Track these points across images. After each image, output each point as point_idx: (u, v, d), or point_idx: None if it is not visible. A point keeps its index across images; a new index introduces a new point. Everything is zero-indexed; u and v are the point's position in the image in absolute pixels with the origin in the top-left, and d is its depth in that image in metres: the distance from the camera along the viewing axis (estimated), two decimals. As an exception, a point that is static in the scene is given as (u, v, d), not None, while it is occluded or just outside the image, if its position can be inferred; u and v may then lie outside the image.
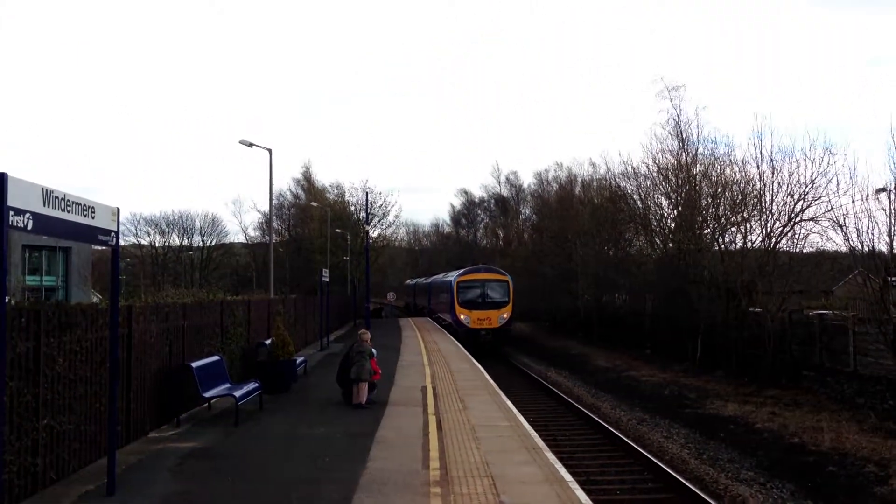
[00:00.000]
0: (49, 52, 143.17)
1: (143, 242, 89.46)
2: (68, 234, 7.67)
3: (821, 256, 29.51)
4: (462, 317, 39.48)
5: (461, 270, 45.59)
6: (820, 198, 27.69)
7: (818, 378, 22.83)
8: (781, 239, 29.26)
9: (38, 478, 8.88)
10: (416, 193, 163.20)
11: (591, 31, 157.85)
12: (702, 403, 22.11)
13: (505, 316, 39.59)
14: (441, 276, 54.34)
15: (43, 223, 6.94)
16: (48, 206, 7.05)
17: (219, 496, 9.26)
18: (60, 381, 9.35)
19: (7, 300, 7.28)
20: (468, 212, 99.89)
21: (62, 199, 7.34)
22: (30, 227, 6.70)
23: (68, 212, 7.47)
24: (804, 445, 16.62)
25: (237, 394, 14.28)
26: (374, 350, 17.43)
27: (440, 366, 24.74)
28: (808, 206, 28.16)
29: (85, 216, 7.82)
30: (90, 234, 8.10)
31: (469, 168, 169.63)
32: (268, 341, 18.78)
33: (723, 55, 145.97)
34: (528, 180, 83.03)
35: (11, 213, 6.41)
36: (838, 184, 26.76)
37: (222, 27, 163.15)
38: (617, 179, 43.21)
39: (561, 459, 11.58)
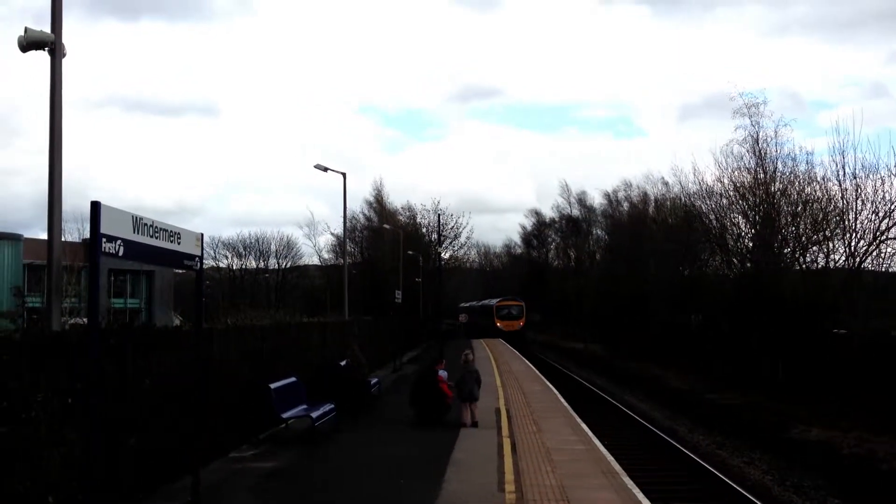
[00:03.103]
0: (134, 81, 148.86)
1: (220, 265, 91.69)
2: (156, 259, 7.97)
3: (908, 276, 28.39)
4: (499, 324, 66.97)
5: (497, 299, 73.49)
6: (907, 215, 26.70)
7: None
8: (866, 258, 28.26)
9: (125, 495, 9.16)
10: (489, 215, 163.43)
11: (656, 48, 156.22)
12: (784, 428, 21.43)
13: (521, 324, 67.95)
14: (486, 301, 78.79)
15: (133, 249, 7.22)
16: (137, 233, 7.34)
17: (298, 516, 9.41)
18: (146, 401, 9.66)
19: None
20: (539, 232, 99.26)
21: (150, 225, 7.63)
22: (121, 253, 6.98)
23: (156, 238, 7.76)
24: (894, 472, 15.95)
25: (314, 415, 14.51)
26: (445, 372, 17.51)
27: (513, 388, 24.65)
28: (895, 224, 27.16)
29: (171, 242, 8.11)
30: (176, 259, 8.40)
31: (540, 189, 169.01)
32: (343, 363, 19.02)
33: (805, 66, 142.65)
34: (597, 200, 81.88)
35: (104, 240, 6.69)
36: (927, 201, 25.76)
37: (292, 50, 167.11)
38: (692, 198, 42.39)
39: (638, 484, 11.39)
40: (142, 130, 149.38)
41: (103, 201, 6.76)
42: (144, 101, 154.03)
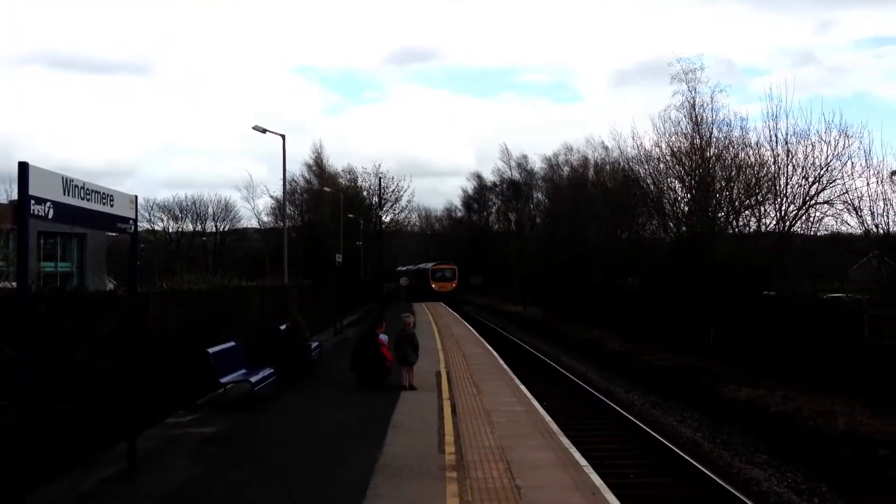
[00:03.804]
0: (59, 37, 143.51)
1: (156, 228, 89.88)
2: (88, 222, 7.75)
3: (835, 240, 29.29)
4: (433, 286, 73.67)
5: (432, 263, 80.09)
6: (835, 181, 27.38)
7: (832, 362, 22.75)
8: (796, 222, 29.06)
9: (58, 463, 9.00)
10: (429, 178, 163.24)
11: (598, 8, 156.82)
12: (715, 388, 22.06)
13: (453, 285, 75.43)
14: (422, 265, 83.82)
15: (63, 211, 7.01)
16: (68, 195, 7.12)
17: (237, 481, 9.38)
18: (79, 367, 9.46)
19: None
20: (480, 196, 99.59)
21: (81, 187, 7.41)
22: (51, 215, 6.78)
23: (87, 200, 7.54)
24: (818, 429, 16.58)
25: (253, 379, 14.42)
26: (386, 336, 17.53)
27: (454, 351, 24.86)
28: (823, 189, 27.89)
29: (104, 204, 7.89)
30: (109, 221, 8.19)
31: (480, 154, 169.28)
32: (283, 327, 18.90)
33: (739, 33, 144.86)
34: (538, 164, 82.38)
35: (33, 201, 6.48)
36: (853, 166, 26.37)
37: (229, 9, 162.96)
38: (630, 163, 42.88)
39: (575, 443, 11.65)
40: (70, 88, 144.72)
41: (31, 162, 6.54)
42: (73, 59, 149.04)
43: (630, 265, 43.46)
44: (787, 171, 29.16)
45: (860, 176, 25.76)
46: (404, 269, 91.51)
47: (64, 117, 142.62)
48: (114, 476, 9.23)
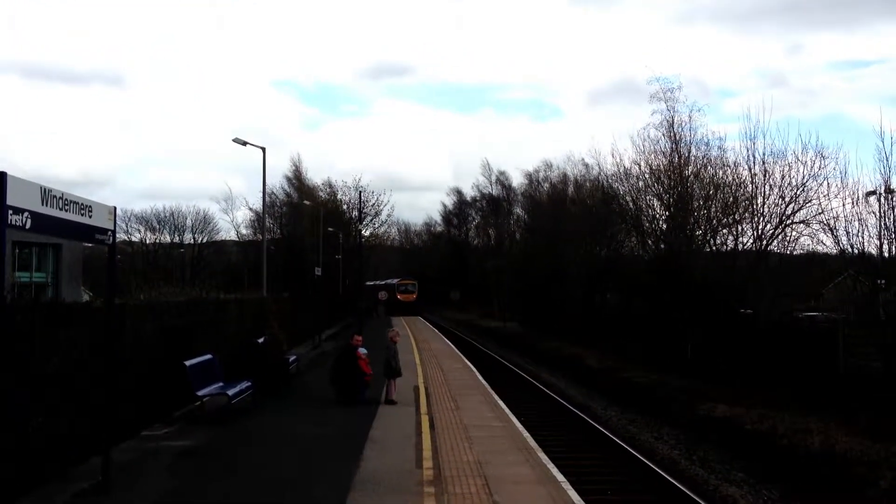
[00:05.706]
0: (34, 47, 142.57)
1: (133, 239, 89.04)
2: (66, 232, 7.69)
3: (811, 259, 29.59)
4: (399, 297, 77.92)
5: (397, 279, 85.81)
6: (811, 201, 27.69)
7: (808, 380, 22.93)
8: (772, 241, 29.33)
9: (30, 476, 8.87)
10: (406, 192, 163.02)
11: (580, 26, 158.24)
12: (692, 405, 22.17)
13: (414, 297, 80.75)
14: (389, 280, 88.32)
15: (41, 222, 6.95)
16: (46, 206, 7.06)
17: (212, 495, 9.30)
18: (54, 379, 9.35)
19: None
20: (460, 211, 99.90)
21: (60, 197, 7.35)
22: (28, 226, 6.71)
23: (66, 211, 7.49)
24: (794, 447, 16.69)
25: (230, 392, 14.32)
26: (365, 350, 17.48)
27: (432, 366, 24.81)
28: (799, 209, 28.18)
29: (82, 215, 7.83)
30: (87, 232, 8.12)
31: (458, 169, 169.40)
32: (261, 340, 18.78)
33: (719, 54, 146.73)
34: (518, 180, 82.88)
35: (10, 211, 6.42)
36: (829, 187, 26.67)
37: (213, 21, 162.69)
38: (609, 181, 43.12)
39: (553, 459, 11.64)
40: (45, 98, 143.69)
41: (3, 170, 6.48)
42: (48, 69, 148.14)
43: (609, 281, 43.64)
44: (764, 191, 29.46)
45: (836, 196, 26.04)
46: (372, 283, 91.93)
47: (38, 126, 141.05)
48: (88, 490, 9.10)
